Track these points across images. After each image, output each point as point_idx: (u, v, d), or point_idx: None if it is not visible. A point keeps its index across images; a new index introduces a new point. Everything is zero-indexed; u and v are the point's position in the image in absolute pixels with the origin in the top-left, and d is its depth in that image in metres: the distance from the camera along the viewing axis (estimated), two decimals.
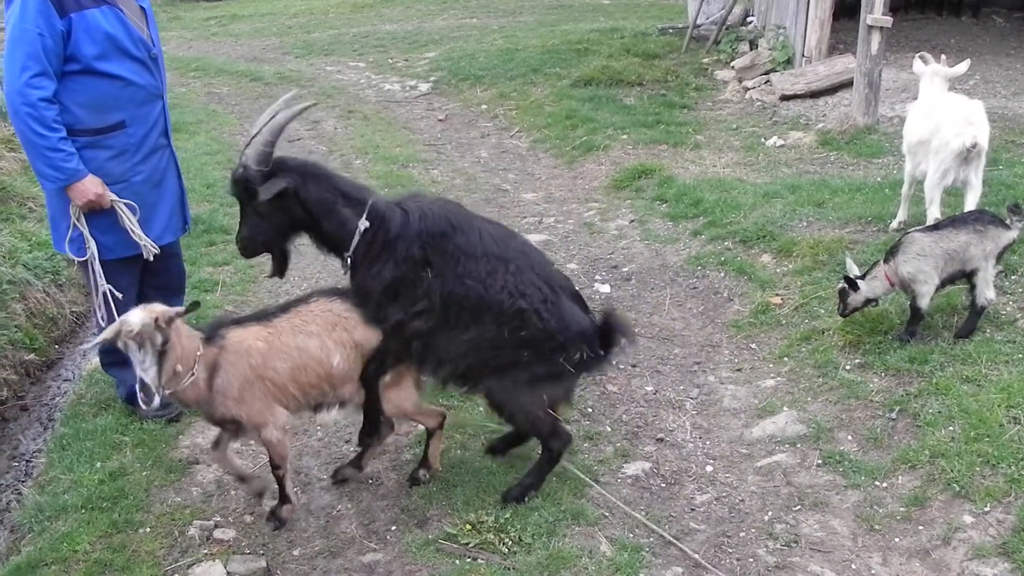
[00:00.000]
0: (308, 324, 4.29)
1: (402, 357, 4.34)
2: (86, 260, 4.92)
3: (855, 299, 5.45)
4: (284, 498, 4.44)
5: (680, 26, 15.14)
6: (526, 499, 4.45)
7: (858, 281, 5.41)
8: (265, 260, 7.43)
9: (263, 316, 4.38)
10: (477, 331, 4.21)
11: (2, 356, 5.99)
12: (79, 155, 4.64)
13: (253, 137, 4.08)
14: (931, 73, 6.75)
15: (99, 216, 4.81)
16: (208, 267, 7.35)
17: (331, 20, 21.22)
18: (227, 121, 12.43)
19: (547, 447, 4.51)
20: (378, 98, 13.59)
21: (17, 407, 5.94)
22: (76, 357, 6.64)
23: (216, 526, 4.46)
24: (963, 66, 6.80)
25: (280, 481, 4.40)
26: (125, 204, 4.85)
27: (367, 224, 4.14)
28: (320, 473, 4.87)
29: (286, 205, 4.14)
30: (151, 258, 5.00)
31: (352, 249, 4.17)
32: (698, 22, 14.29)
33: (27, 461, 5.43)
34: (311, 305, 4.39)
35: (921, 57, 6.89)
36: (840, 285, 5.47)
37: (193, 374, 4.06)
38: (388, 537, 4.35)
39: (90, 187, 4.67)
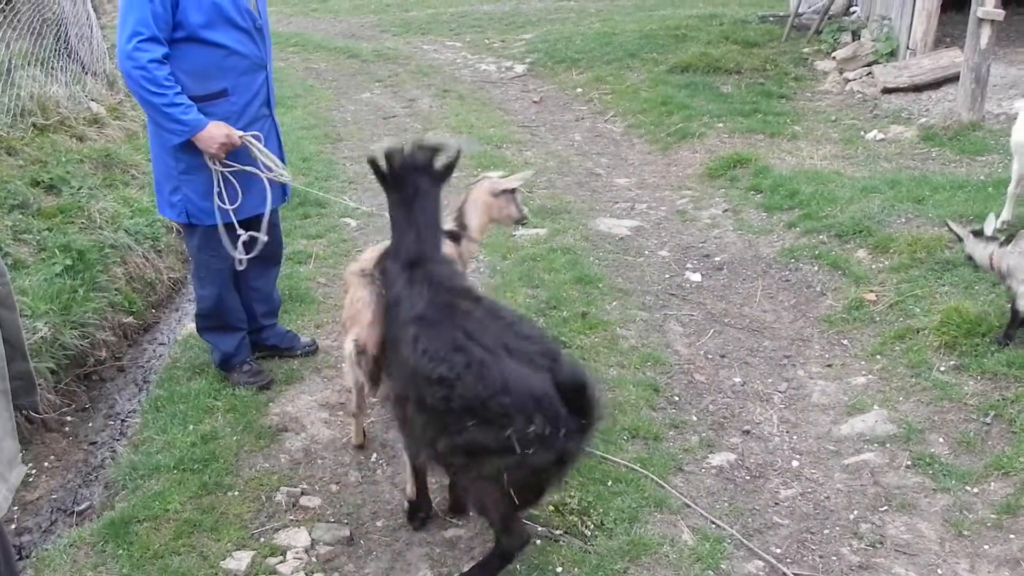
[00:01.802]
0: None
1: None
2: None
3: (962, 248, 5.53)
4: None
5: (781, 14, 14.92)
6: None
7: (965, 234, 5.39)
8: (359, 236, 7.59)
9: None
10: (418, 404, 3.67)
11: (102, 318, 6.14)
12: None
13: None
14: None
15: (199, 181, 4.91)
16: (302, 239, 7.47)
17: None
18: (324, 96, 12.60)
19: (498, 541, 3.82)
20: (474, 78, 13.64)
21: (114, 368, 6.11)
22: (172, 322, 6.81)
23: (303, 493, 4.54)
24: None
25: None
26: (252, 136, 4.95)
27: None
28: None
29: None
30: (290, 182, 5.15)
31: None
32: (800, 11, 14.07)
33: (122, 420, 5.58)
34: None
35: None
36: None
37: None
38: (471, 514, 4.38)
39: (215, 132, 4.76)
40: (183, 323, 6.61)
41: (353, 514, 4.42)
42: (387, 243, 4.32)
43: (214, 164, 4.88)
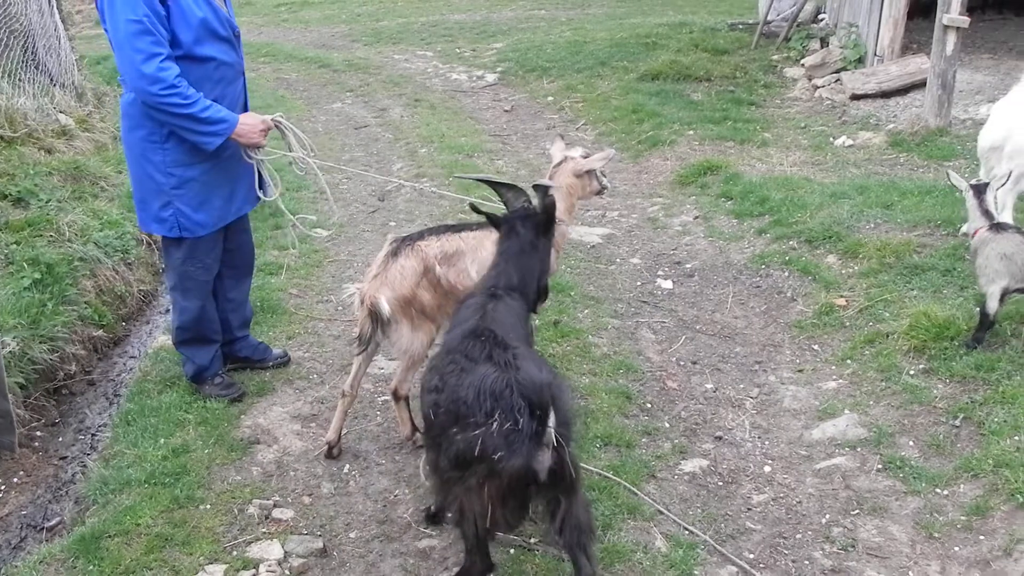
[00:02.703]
0: None
1: None
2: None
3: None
4: None
5: (750, 22, 14.99)
6: None
7: (965, 186, 5.44)
8: (330, 246, 7.59)
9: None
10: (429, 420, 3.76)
11: (72, 331, 6.09)
12: (173, 134, 4.79)
13: None
14: None
15: (191, 194, 4.94)
16: (273, 251, 7.44)
17: (400, 9, 21.31)
18: (295, 107, 12.55)
19: (464, 563, 3.87)
20: (445, 87, 13.64)
21: (84, 381, 6.06)
22: (143, 335, 6.76)
23: (275, 506, 4.52)
24: None
25: None
26: (280, 115, 5.19)
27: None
28: (379, 457, 4.92)
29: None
30: (311, 167, 5.28)
31: None
32: (769, 18, 14.14)
33: (92, 435, 5.54)
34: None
35: None
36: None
37: None
38: (444, 524, 4.37)
39: (251, 121, 4.92)
40: (154, 336, 6.58)
41: (326, 526, 4.40)
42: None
43: (253, 155, 5.04)
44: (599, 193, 5.37)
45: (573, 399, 3.65)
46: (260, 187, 5.23)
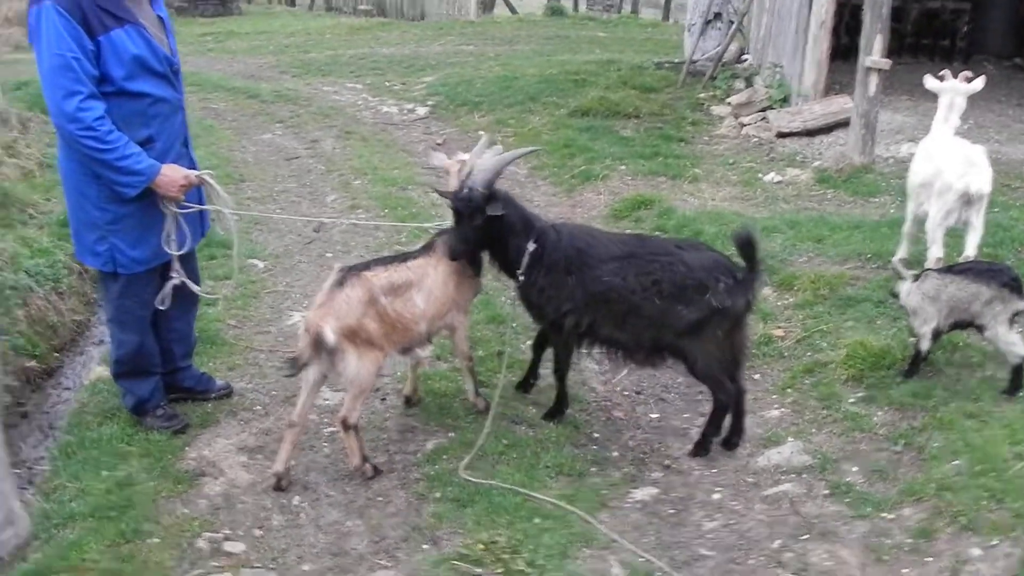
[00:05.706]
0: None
1: (568, 348, 5.32)
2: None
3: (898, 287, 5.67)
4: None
5: (676, 61, 15.29)
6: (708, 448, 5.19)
7: (908, 275, 5.59)
8: (267, 277, 7.51)
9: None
10: (635, 313, 4.94)
11: (3, 362, 5.94)
12: None
13: (476, 167, 5.11)
14: (951, 91, 6.76)
15: (127, 230, 4.88)
16: (209, 280, 7.32)
17: (328, 41, 21.27)
18: (224, 136, 12.41)
19: (715, 400, 5.13)
20: (375, 120, 13.62)
21: (17, 414, 5.90)
22: (77, 366, 6.61)
23: (225, 539, 4.45)
24: (979, 82, 6.76)
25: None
26: (207, 173, 5.14)
27: (534, 246, 5.06)
28: (328, 489, 4.87)
29: (492, 223, 4.98)
30: (231, 225, 5.32)
31: (522, 269, 5.09)
32: (694, 58, 14.45)
33: (29, 468, 5.38)
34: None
35: (939, 77, 6.87)
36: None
37: None
38: (398, 555, 4.35)
39: (173, 175, 4.82)
40: (89, 367, 6.44)
41: (279, 559, 4.35)
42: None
43: (169, 207, 4.93)
44: None
45: None
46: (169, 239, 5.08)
